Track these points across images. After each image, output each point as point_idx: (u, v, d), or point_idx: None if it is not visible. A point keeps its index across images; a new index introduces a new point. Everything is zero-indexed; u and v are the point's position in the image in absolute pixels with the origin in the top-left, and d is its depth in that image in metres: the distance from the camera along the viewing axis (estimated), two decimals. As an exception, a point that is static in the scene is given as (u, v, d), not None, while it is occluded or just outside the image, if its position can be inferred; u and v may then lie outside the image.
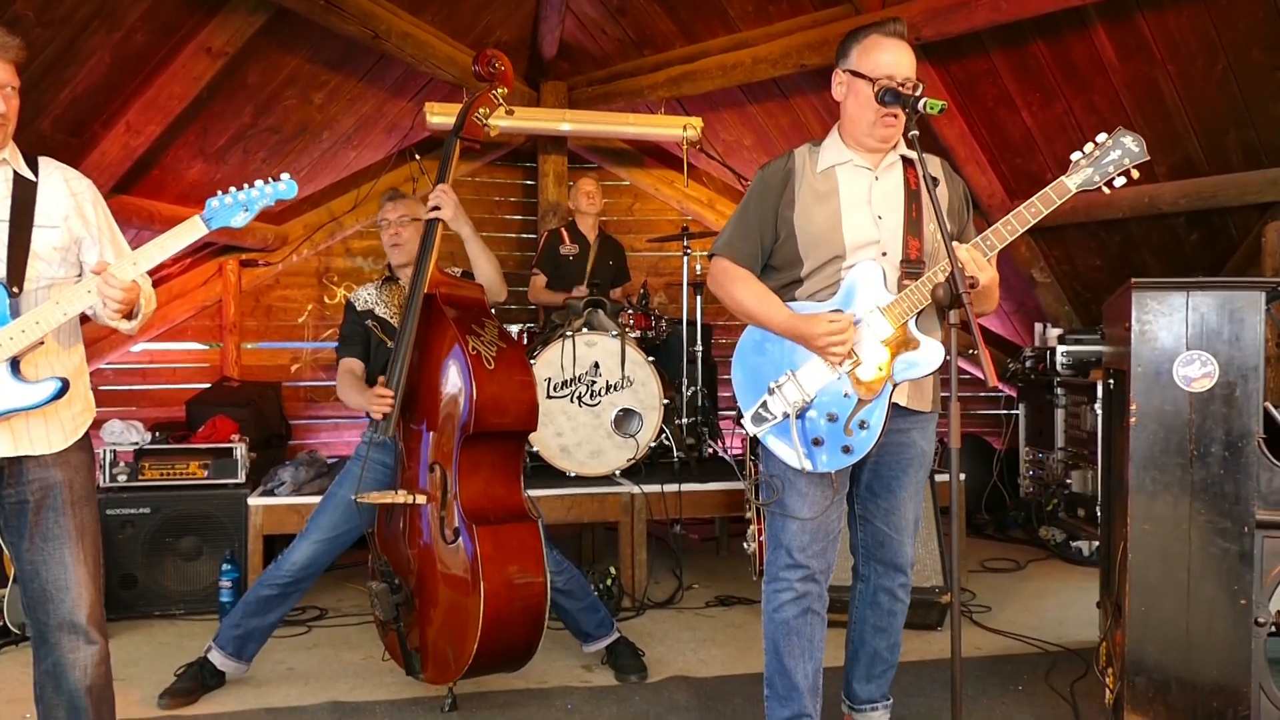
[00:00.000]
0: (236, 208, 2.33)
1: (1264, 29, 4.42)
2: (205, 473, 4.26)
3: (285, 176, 2.38)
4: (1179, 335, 2.49)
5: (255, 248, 6.18)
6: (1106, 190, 2.38)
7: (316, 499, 3.50)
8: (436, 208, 3.14)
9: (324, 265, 6.63)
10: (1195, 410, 2.48)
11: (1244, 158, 5.00)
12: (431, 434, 3.04)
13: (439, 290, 3.12)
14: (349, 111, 5.73)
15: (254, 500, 4.19)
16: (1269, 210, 5.04)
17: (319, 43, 4.92)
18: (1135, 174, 2.36)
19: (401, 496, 3.06)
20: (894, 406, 2.48)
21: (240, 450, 4.32)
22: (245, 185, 2.34)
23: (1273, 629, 2.54)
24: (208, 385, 5.80)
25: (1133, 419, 2.51)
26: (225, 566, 4.08)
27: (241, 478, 4.30)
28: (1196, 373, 2.47)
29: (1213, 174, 5.14)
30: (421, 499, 3.03)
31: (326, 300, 6.60)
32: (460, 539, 2.90)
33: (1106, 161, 2.36)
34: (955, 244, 2.33)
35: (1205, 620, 2.47)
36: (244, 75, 4.78)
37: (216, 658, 3.28)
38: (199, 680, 3.26)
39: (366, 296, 3.51)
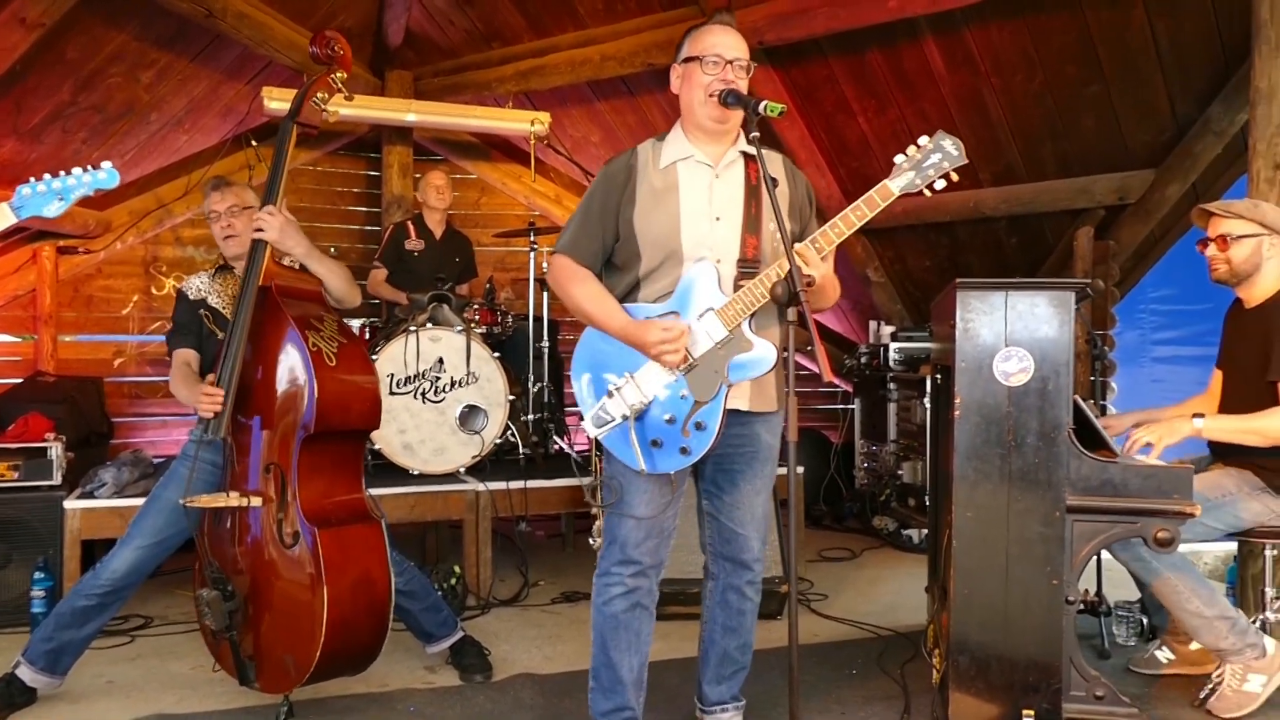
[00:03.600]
0: (50, 196, 2.18)
1: (1076, 48, 4.73)
2: (15, 474, 3.97)
3: (106, 165, 2.24)
4: (999, 333, 2.63)
5: (74, 234, 5.80)
6: (928, 193, 2.49)
7: (141, 501, 3.32)
8: (260, 230, 2.99)
9: (151, 254, 6.29)
10: (1013, 403, 2.62)
11: (1058, 167, 5.35)
12: (266, 433, 2.92)
13: (275, 283, 3.00)
14: (180, 93, 5.46)
15: (70, 503, 3.94)
16: (1080, 217, 5.40)
17: (147, 18, 4.67)
18: (955, 177, 2.48)
19: (234, 499, 2.92)
20: (732, 411, 2.50)
21: (55, 450, 4.05)
22: (62, 172, 2.20)
23: (1081, 607, 2.72)
24: (19, 380, 5.42)
25: (957, 412, 2.64)
26: (38, 575, 3.83)
27: (57, 479, 4.03)
28: (1014, 368, 2.62)
29: (1031, 181, 5.47)
30: (256, 501, 2.91)
31: (154, 291, 6.27)
32: (300, 542, 2.80)
33: (927, 165, 2.46)
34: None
35: (1022, 601, 2.62)
36: (63, 49, 4.50)
37: (26, 673, 3.06)
38: (6, 698, 3.03)
39: (199, 285, 3.34)
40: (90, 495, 4.00)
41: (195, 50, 5.18)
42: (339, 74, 3.18)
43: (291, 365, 2.88)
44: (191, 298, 3.31)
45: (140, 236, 6.16)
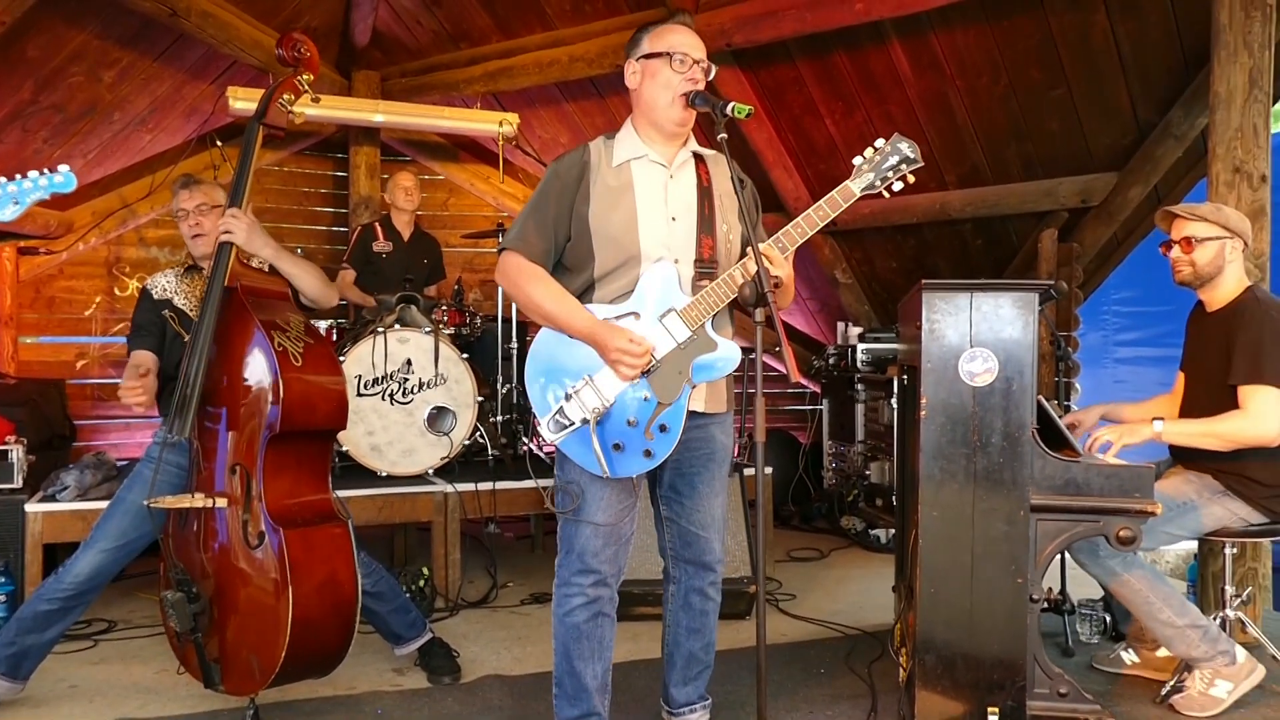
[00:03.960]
0: (5, 200, 2.15)
1: (1040, 51, 4.79)
2: (-25, 478, 3.92)
3: (63, 169, 2.21)
4: (964, 334, 2.65)
5: (35, 235, 5.71)
6: (887, 195, 2.52)
7: (104, 504, 3.28)
8: (228, 232, 2.96)
9: (115, 255, 6.22)
10: (978, 403, 2.64)
11: (1023, 169, 5.40)
12: (232, 434, 2.90)
13: (240, 283, 2.98)
14: (143, 92, 5.40)
15: (32, 506, 3.88)
16: (1044, 219, 5.46)
17: (109, 17, 4.62)
18: (912, 179, 2.51)
19: (199, 500, 2.89)
20: (689, 413, 2.48)
21: (16, 452, 3.99)
22: (18, 175, 2.16)
23: (1045, 605, 2.75)
24: (-21, 383, 5.33)
25: (923, 412, 2.66)
26: (-2, 579, 3.77)
27: (17, 482, 3.97)
28: (979, 368, 2.64)
29: (996, 184, 5.53)
30: (221, 502, 2.89)
31: (117, 292, 6.20)
32: (266, 543, 2.78)
33: (886, 166, 2.48)
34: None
35: (986, 599, 2.64)
36: (23, 48, 4.43)
37: (-13, 678, 3.02)
38: (-34, 704, 3.00)
39: (165, 284, 3.30)
40: (52, 498, 3.94)
41: (159, 49, 5.12)
42: (305, 76, 3.15)
43: (257, 366, 2.86)
44: (156, 297, 3.28)
45: (103, 237, 6.09)
